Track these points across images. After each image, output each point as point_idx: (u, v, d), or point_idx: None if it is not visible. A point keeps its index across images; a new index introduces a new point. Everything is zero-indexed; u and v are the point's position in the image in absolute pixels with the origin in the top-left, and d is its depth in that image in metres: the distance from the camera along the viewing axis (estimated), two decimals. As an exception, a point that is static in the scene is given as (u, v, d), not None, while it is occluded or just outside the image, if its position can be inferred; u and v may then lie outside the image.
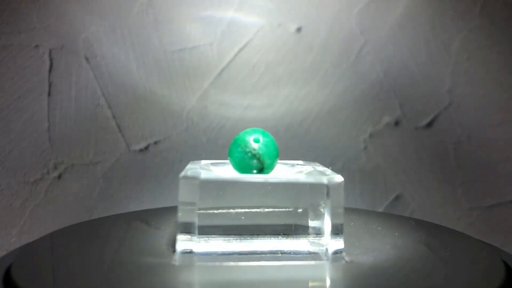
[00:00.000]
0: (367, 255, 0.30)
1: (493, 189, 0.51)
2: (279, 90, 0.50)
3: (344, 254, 0.29)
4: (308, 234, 0.31)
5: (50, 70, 0.48)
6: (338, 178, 0.29)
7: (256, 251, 0.30)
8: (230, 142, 0.32)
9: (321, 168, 0.34)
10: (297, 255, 0.30)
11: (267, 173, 0.32)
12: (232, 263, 0.28)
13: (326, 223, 0.29)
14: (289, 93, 0.50)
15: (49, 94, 0.48)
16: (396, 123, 0.50)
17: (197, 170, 0.31)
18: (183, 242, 0.28)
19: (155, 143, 0.49)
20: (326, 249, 0.29)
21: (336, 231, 0.29)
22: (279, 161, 0.34)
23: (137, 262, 0.28)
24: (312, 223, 0.31)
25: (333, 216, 0.29)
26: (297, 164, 0.36)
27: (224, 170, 0.33)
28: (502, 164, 0.51)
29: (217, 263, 0.28)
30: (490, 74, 0.50)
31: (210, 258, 0.29)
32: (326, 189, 0.29)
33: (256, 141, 0.31)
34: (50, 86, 0.48)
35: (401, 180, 0.51)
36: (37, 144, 0.48)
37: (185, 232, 0.28)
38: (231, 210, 0.31)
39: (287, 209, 0.32)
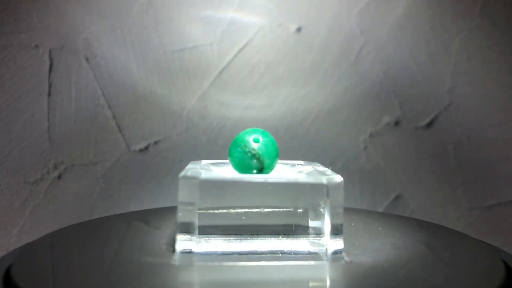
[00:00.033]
0: (367, 255, 0.30)
1: (493, 189, 0.51)
2: (279, 90, 0.50)
3: (344, 254, 0.29)
4: (308, 234, 0.31)
5: (50, 70, 0.48)
6: (338, 178, 0.29)
7: (256, 251, 0.30)
8: (230, 142, 0.32)
9: (321, 168, 0.34)
10: (297, 255, 0.30)
11: (267, 173, 0.32)
12: (232, 263, 0.28)
13: (326, 223, 0.29)
14: (289, 93, 0.50)
15: (49, 94, 0.48)
16: (396, 123, 0.50)
17: (197, 170, 0.31)
18: (183, 242, 0.28)
19: (155, 143, 0.49)
20: (326, 249, 0.29)
21: (336, 231, 0.29)
22: (279, 161, 0.34)
23: (137, 262, 0.28)
24: (312, 223, 0.31)
25: (332, 216, 0.29)
26: (297, 164, 0.36)
27: (224, 170, 0.33)
28: (502, 164, 0.51)
29: (217, 263, 0.28)
30: (490, 74, 0.50)
31: (210, 258, 0.29)
32: (326, 189, 0.29)
33: (256, 141, 0.31)
34: (50, 86, 0.48)
35: (401, 180, 0.51)
36: (37, 144, 0.48)
37: (185, 232, 0.28)
38: (231, 210, 0.31)
39: (287, 209, 0.32)
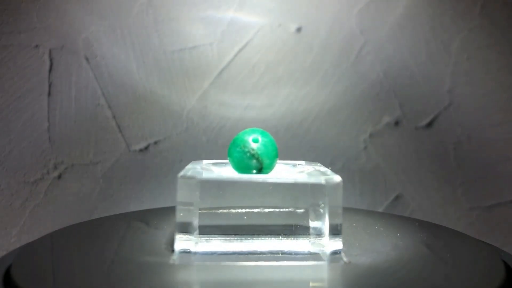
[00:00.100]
0: (366, 256, 0.30)
1: (493, 189, 0.51)
2: (279, 90, 0.50)
3: (343, 254, 0.29)
4: (309, 235, 0.31)
5: (50, 70, 0.48)
6: (337, 178, 0.29)
7: (256, 251, 0.30)
8: (230, 142, 0.32)
9: (321, 168, 0.34)
10: (297, 256, 0.30)
11: (267, 173, 0.32)
12: (231, 263, 0.28)
13: (326, 224, 0.29)
14: (289, 93, 0.50)
15: (49, 94, 0.48)
16: (396, 123, 0.50)
17: (196, 170, 0.31)
18: (182, 242, 0.28)
19: (155, 143, 0.49)
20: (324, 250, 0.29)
21: (335, 231, 0.29)
22: (281, 161, 0.34)
23: (137, 262, 0.28)
24: (312, 224, 0.31)
25: (331, 216, 0.29)
26: (298, 164, 0.36)
27: (224, 170, 0.33)
28: (502, 164, 0.51)
29: (216, 263, 0.28)
30: (490, 74, 0.50)
31: (210, 258, 0.29)
32: (325, 189, 0.29)
33: (255, 141, 0.31)
34: (50, 86, 0.48)
35: (401, 180, 0.51)
36: (37, 144, 0.48)
37: (184, 232, 0.28)
38: (231, 210, 0.31)
39: (288, 210, 0.32)
